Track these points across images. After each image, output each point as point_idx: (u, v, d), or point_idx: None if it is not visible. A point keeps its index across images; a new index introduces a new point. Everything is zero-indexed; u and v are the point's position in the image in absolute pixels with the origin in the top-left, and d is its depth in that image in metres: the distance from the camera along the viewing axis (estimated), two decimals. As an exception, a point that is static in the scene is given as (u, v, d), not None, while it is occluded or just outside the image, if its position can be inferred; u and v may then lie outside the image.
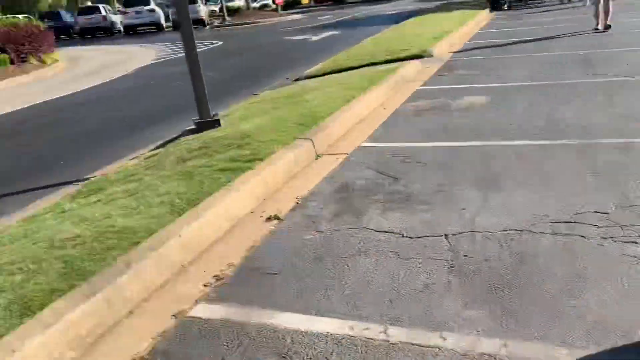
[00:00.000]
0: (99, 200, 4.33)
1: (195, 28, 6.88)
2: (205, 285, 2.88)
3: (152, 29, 28.70)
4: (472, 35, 13.32)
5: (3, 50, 15.02)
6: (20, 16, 30.67)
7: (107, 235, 3.10)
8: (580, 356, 2.07)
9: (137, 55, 17.98)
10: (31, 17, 30.76)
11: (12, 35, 15.45)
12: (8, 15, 31.30)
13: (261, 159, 4.37)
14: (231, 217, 3.65)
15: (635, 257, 2.66)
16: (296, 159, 4.68)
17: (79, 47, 22.89)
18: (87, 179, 6.05)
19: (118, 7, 42.84)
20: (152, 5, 28.19)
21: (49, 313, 2.38)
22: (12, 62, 15.11)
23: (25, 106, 10.88)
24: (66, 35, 28.52)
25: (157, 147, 6.67)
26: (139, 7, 27.74)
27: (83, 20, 29.32)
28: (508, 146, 4.67)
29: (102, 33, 29.60)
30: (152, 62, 16.03)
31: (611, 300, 2.36)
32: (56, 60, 16.92)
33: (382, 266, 2.85)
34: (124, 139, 7.58)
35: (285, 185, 4.34)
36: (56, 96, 11.69)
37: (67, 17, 32.09)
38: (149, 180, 4.53)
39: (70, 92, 11.98)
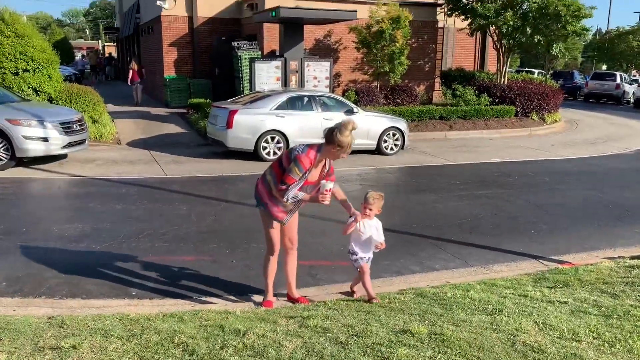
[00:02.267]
0: (565, 302, 4.00)
1: None
2: None
3: (666, 105, 25.79)
4: None
5: (512, 102, 16.26)
6: (535, 72, 32.73)
7: (572, 366, 2.75)
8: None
9: (641, 134, 16.44)
10: (544, 72, 32.32)
11: (526, 91, 16.52)
12: (524, 69, 33.95)
13: None
14: None
15: None
16: None
17: (581, 111, 22.61)
18: (550, 259, 5.79)
19: (634, 75, 40.21)
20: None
21: None
22: (515, 114, 16.21)
23: (513, 160, 11.46)
24: (571, 96, 28.70)
25: (643, 257, 5.80)
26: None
27: (593, 84, 28.86)
28: None
29: (607, 100, 28.49)
30: (659, 145, 14.31)
31: None
32: (556, 121, 17.17)
33: None
34: (600, 226, 6.97)
35: None
36: (543, 157, 11.84)
37: (579, 79, 32.24)
38: (628, 305, 3.89)
39: (558, 157, 11.94)
